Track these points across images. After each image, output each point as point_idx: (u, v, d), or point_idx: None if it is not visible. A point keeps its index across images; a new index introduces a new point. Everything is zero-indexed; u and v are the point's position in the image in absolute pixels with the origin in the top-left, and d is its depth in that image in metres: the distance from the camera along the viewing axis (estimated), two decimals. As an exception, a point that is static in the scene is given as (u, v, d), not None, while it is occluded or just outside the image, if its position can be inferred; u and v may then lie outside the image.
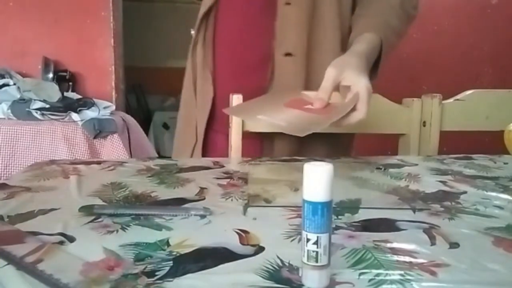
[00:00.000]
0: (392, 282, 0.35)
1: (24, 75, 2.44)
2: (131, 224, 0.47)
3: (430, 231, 0.46)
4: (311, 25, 0.93)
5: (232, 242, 0.42)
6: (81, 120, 2.02)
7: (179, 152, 1.09)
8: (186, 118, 1.08)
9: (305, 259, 0.34)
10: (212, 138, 1.02)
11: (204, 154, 1.01)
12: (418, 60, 2.90)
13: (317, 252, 0.33)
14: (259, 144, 1.00)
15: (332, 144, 1.00)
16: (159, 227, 0.46)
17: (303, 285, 0.34)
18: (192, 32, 1.05)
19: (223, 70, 1.02)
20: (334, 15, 0.94)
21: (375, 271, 0.36)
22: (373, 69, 0.88)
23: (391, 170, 0.77)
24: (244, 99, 0.94)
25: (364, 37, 0.86)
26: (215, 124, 1.02)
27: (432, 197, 0.60)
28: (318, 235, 0.33)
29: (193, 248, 0.40)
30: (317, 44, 0.94)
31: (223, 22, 1.02)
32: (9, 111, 2.04)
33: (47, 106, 2.06)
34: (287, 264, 0.37)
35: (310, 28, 0.93)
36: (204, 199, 0.57)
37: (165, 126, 4.67)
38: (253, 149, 0.99)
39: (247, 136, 0.98)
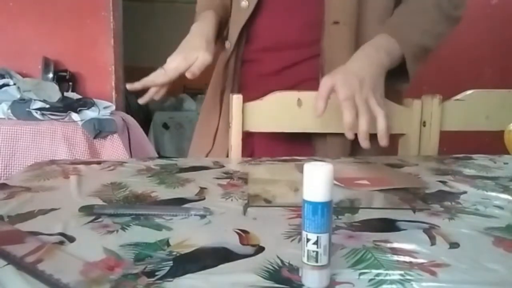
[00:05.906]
0: (392, 282, 0.35)
1: (24, 75, 2.44)
2: (131, 224, 0.47)
3: (430, 231, 0.46)
4: (358, 44, 0.90)
5: (232, 242, 0.42)
6: (81, 120, 2.02)
7: (194, 154, 1.09)
8: (205, 124, 1.08)
9: (305, 259, 0.34)
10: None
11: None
12: (418, 60, 2.89)
13: (317, 252, 0.33)
14: (263, 144, 1.00)
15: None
16: (159, 227, 0.46)
17: (303, 285, 0.34)
18: (228, 45, 1.01)
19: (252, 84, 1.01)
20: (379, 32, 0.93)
21: (375, 271, 0.36)
22: (403, 73, 0.89)
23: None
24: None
25: (373, 40, 0.85)
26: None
27: (432, 197, 0.60)
28: (318, 235, 0.33)
29: (193, 248, 0.40)
30: None
31: (260, 40, 1.00)
32: (9, 111, 2.04)
33: (47, 106, 2.06)
34: (287, 264, 0.37)
35: (357, 47, 0.90)
36: (204, 199, 0.57)
37: (165, 126, 4.66)
38: (262, 149, 0.98)
39: (255, 135, 0.98)
